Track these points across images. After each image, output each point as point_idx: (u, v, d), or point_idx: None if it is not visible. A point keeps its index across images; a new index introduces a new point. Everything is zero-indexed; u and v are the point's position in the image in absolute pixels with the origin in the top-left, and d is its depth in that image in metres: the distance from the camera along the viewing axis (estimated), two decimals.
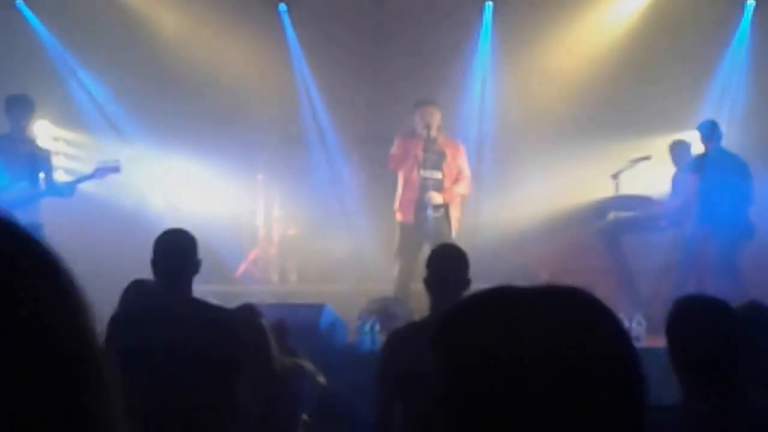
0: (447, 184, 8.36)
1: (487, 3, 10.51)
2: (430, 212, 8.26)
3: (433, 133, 8.25)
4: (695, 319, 2.98)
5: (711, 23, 9.99)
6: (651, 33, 10.16)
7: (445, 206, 8.35)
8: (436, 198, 8.28)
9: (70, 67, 10.49)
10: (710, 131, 8.84)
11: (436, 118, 8.31)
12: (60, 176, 9.23)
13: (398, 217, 8.46)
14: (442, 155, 8.32)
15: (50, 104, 10.01)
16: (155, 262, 4.43)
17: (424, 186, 8.26)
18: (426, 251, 7.49)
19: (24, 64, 10.11)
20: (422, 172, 8.28)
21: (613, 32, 10.39)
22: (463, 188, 8.49)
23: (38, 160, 8.29)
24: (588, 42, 10.39)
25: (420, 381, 4.10)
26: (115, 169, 8.38)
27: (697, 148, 9.22)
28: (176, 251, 4.41)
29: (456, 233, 8.35)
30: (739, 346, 2.94)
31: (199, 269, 4.50)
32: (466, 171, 8.52)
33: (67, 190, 8.26)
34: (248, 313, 5.15)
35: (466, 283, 4.27)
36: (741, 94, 10.03)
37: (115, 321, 4.35)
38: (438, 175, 8.33)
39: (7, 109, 8.21)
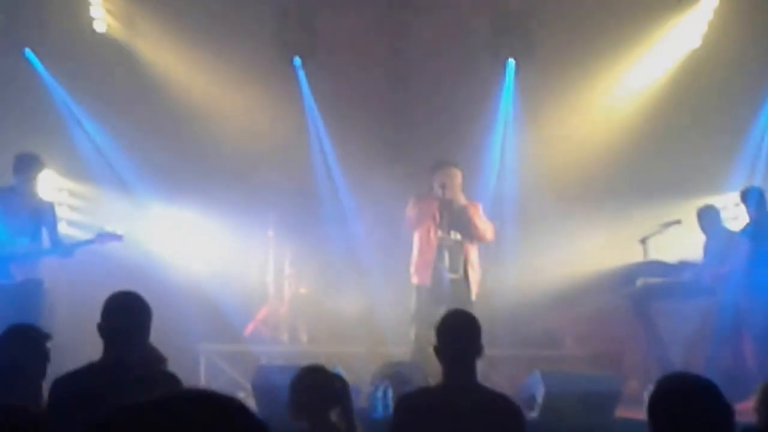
0: (467, 241, 8.08)
1: (509, 60, 10.31)
2: (447, 274, 8.01)
3: (450, 194, 8.02)
4: (679, 400, 2.88)
5: (743, 85, 9.79)
6: (680, 94, 10.01)
7: (464, 269, 8.08)
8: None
9: (77, 118, 10.33)
10: (760, 198, 8.59)
11: (455, 178, 8.08)
12: (63, 228, 9.02)
13: (414, 279, 8.18)
14: (460, 216, 8.04)
15: (56, 154, 9.82)
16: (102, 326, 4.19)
17: (442, 247, 8.02)
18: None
19: (30, 113, 9.96)
20: (440, 233, 8.04)
21: (640, 93, 10.28)
22: (486, 227, 8.15)
23: (41, 214, 8.14)
24: (613, 102, 10.27)
25: None
26: (118, 238, 8.20)
27: (731, 213, 8.93)
28: (126, 316, 4.19)
29: (476, 296, 8.03)
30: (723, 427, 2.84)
31: (148, 335, 4.27)
32: (488, 222, 8.22)
33: (67, 252, 8.08)
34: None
35: (479, 349, 4.19)
36: None
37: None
38: (456, 236, 8.10)
39: (16, 165, 8.08)
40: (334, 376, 4.54)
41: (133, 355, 4.16)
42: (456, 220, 8.06)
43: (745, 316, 8.36)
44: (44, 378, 4.53)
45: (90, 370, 4.14)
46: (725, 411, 2.85)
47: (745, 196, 8.71)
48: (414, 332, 8.09)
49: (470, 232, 8.10)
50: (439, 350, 4.22)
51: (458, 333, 4.23)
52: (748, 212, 8.68)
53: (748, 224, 8.70)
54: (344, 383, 4.53)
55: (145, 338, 4.25)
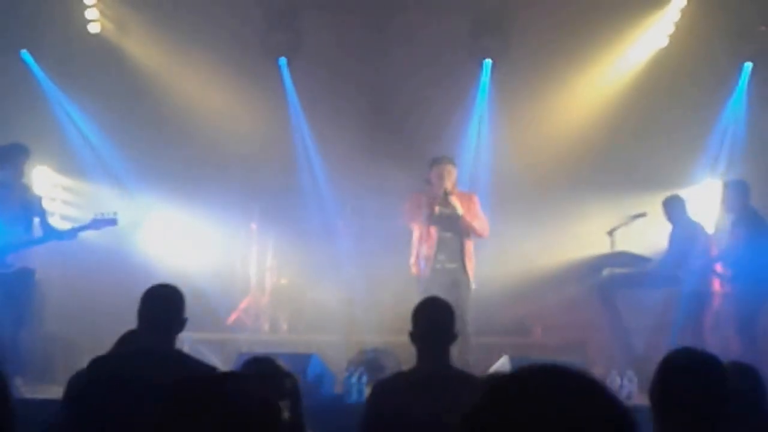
0: (464, 236, 8.37)
1: (485, 60, 10.58)
2: (445, 266, 8.29)
3: (449, 190, 8.28)
4: (685, 370, 3.01)
5: (709, 83, 10.08)
6: (647, 92, 10.27)
7: (461, 258, 8.35)
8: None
9: (71, 116, 10.57)
10: (747, 190, 8.70)
11: (452, 175, 8.35)
12: (56, 222, 9.26)
13: (414, 271, 8.44)
14: (456, 211, 8.31)
15: (50, 151, 10.09)
16: (142, 313, 4.46)
17: (440, 241, 8.29)
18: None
19: (25, 111, 10.21)
20: (439, 228, 8.31)
21: (609, 91, 10.50)
22: (483, 225, 8.44)
23: (31, 205, 8.36)
24: (584, 100, 10.49)
25: (402, 430, 4.02)
26: (112, 222, 8.39)
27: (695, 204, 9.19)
28: (164, 306, 4.45)
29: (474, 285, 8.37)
30: (724, 400, 2.96)
31: (183, 327, 4.50)
32: (483, 216, 8.51)
33: (68, 235, 8.30)
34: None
35: (453, 336, 4.32)
36: (737, 153, 10.06)
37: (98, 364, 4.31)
38: (453, 231, 8.35)
39: (2, 157, 8.27)
40: (284, 373, 4.51)
41: (171, 342, 4.39)
42: (452, 215, 8.30)
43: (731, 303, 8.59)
44: None
45: (129, 353, 4.39)
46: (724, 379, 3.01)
47: (735, 188, 8.74)
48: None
49: (466, 229, 8.36)
50: (414, 335, 4.35)
51: (433, 319, 4.35)
52: (736, 204, 8.72)
53: (740, 215, 8.71)
54: (294, 382, 4.50)
55: (180, 328, 4.47)
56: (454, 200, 8.28)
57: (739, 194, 8.73)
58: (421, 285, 8.31)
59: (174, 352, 4.42)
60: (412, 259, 8.45)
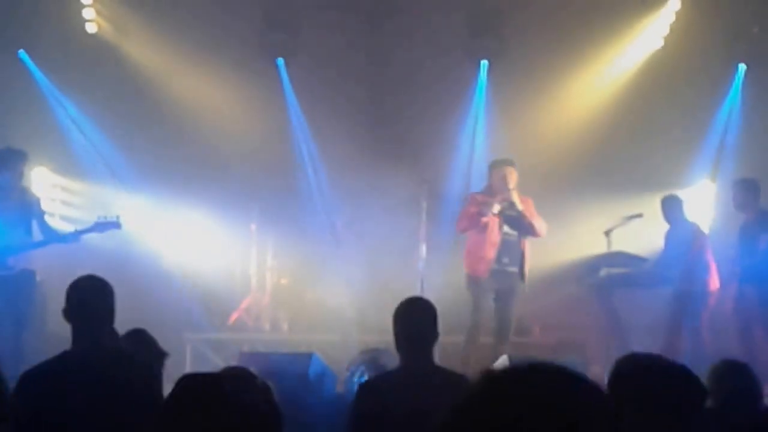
0: (523, 237, 8.50)
1: (482, 61, 10.66)
2: (504, 268, 8.42)
3: (514, 192, 8.40)
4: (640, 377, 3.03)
5: (704, 84, 10.19)
6: (643, 93, 10.36)
7: (521, 261, 8.48)
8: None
9: (70, 116, 10.60)
10: (758, 189, 8.76)
11: (513, 176, 8.45)
12: (56, 223, 9.31)
13: (470, 272, 8.51)
14: (520, 213, 8.43)
15: (48, 151, 10.13)
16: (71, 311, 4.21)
17: (504, 243, 8.40)
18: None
19: (23, 111, 10.25)
20: (503, 230, 8.42)
21: (605, 92, 10.60)
22: (541, 225, 8.54)
23: (30, 207, 8.42)
24: (581, 101, 10.57)
25: (389, 429, 4.07)
26: (115, 225, 8.38)
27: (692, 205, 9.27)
28: (92, 300, 4.21)
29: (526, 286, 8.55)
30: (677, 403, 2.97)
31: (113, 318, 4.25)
32: (540, 218, 8.60)
33: (70, 238, 8.31)
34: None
35: (436, 335, 4.38)
36: (733, 154, 10.15)
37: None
38: (514, 232, 8.48)
39: (2, 161, 8.31)
40: (259, 383, 4.64)
41: (104, 339, 4.17)
42: (514, 217, 8.40)
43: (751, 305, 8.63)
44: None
45: (62, 359, 4.12)
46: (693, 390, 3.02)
47: (747, 189, 8.80)
48: (472, 322, 8.47)
49: (527, 230, 8.47)
50: (398, 336, 4.37)
51: (417, 319, 4.39)
52: (749, 203, 8.78)
53: (757, 215, 8.74)
54: (268, 390, 4.66)
55: (112, 321, 4.23)
56: (517, 199, 8.39)
57: (750, 193, 8.82)
58: (478, 286, 8.40)
59: (106, 350, 4.20)
60: (469, 260, 8.50)
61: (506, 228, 8.45)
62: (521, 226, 8.46)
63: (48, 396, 3.96)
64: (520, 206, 8.40)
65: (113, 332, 4.66)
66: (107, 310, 4.21)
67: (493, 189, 8.46)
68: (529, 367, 1.60)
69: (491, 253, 8.38)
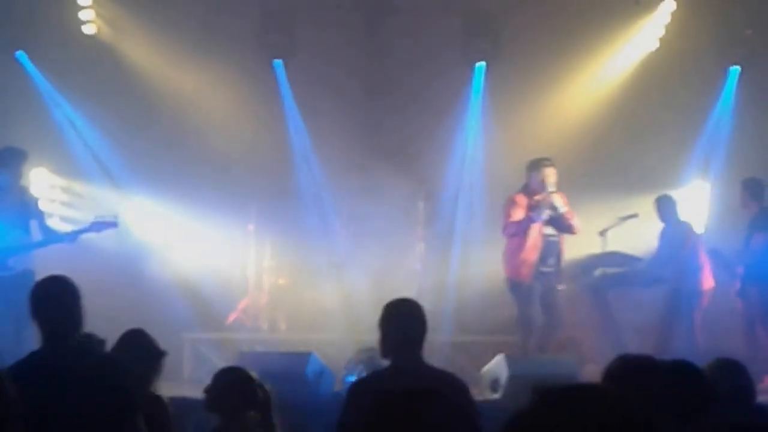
0: (562, 236, 8.57)
1: (478, 63, 10.71)
2: (543, 269, 8.49)
3: (555, 194, 8.45)
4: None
5: (697, 86, 10.26)
6: (638, 94, 10.43)
7: (559, 261, 8.56)
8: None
9: (68, 117, 10.62)
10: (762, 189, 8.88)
11: (554, 176, 8.49)
12: (55, 224, 9.35)
13: (513, 275, 8.55)
14: (562, 214, 8.49)
15: (47, 152, 10.16)
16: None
17: (546, 245, 8.47)
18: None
19: (21, 112, 10.29)
20: (545, 232, 8.47)
21: (601, 94, 10.65)
22: (576, 222, 8.62)
23: (29, 207, 8.45)
24: (576, 103, 10.63)
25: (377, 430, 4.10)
26: (113, 224, 8.39)
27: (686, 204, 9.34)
28: (55, 303, 4.13)
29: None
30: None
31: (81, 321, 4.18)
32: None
33: (68, 238, 8.34)
34: None
35: (424, 333, 4.35)
36: (725, 154, 10.23)
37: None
38: (554, 232, 8.55)
39: (2, 161, 8.33)
40: (257, 384, 4.57)
41: (73, 339, 4.10)
42: (556, 218, 8.45)
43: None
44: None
45: (30, 360, 4.08)
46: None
47: (750, 188, 8.95)
48: (520, 325, 8.58)
49: (567, 229, 8.53)
50: (388, 335, 4.32)
51: (405, 319, 4.35)
52: (752, 203, 8.92)
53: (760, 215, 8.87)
54: (267, 393, 4.56)
55: (81, 320, 4.14)
56: (560, 200, 8.44)
57: (755, 192, 8.94)
58: (521, 290, 8.46)
59: (70, 349, 4.13)
60: (510, 262, 8.53)
61: (549, 229, 8.48)
62: (562, 226, 8.51)
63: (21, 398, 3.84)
64: (563, 208, 8.43)
65: (90, 335, 4.68)
66: (68, 310, 4.13)
67: (533, 189, 8.48)
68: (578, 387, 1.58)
69: (533, 255, 8.41)
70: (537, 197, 8.43)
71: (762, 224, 8.79)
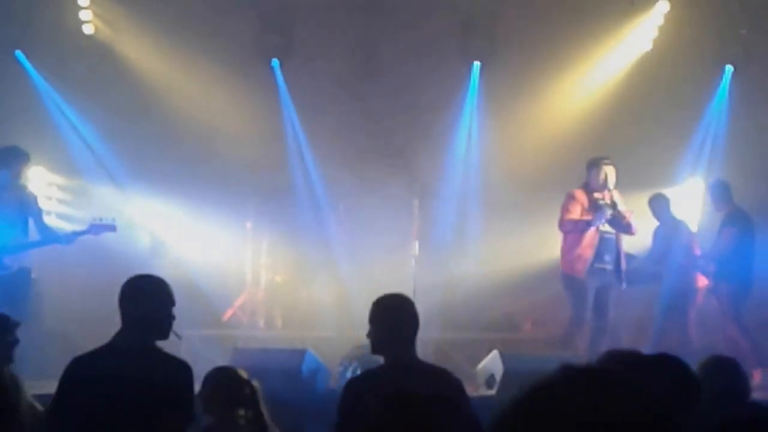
0: (621, 234, 8.57)
1: (474, 63, 10.75)
2: (601, 266, 8.49)
3: (615, 192, 8.47)
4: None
5: (692, 86, 10.32)
6: (633, 94, 10.51)
7: (619, 259, 8.54)
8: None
9: (65, 115, 10.65)
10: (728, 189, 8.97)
11: (614, 174, 8.50)
12: (53, 222, 9.37)
13: (568, 271, 8.54)
14: (620, 213, 8.50)
15: (45, 151, 10.18)
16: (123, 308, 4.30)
17: (602, 241, 8.47)
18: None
19: (19, 111, 10.31)
20: (601, 228, 8.48)
21: (596, 93, 10.73)
22: (634, 221, 8.62)
23: (27, 206, 8.48)
24: (571, 102, 10.70)
25: (374, 428, 4.15)
26: (111, 228, 8.44)
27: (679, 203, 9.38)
28: (145, 301, 4.29)
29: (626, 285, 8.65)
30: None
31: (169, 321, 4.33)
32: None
33: (65, 239, 8.38)
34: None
35: (416, 329, 4.36)
36: (718, 153, 10.29)
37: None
38: (612, 229, 8.54)
39: (2, 160, 8.37)
40: (243, 381, 4.62)
41: (152, 338, 4.26)
42: (614, 215, 8.45)
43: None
44: (11, 362, 4.84)
45: (108, 350, 4.25)
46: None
47: (719, 190, 9.06)
48: (571, 319, 8.56)
49: (625, 229, 8.53)
50: (376, 333, 4.31)
51: (396, 314, 4.34)
52: (721, 203, 9.03)
53: (728, 214, 8.98)
54: (254, 390, 4.61)
55: (167, 322, 4.28)
56: (619, 198, 8.47)
57: (721, 194, 8.96)
58: (576, 285, 8.44)
59: (149, 349, 4.29)
60: (567, 258, 8.53)
61: (605, 226, 8.48)
62: (620, 225, 8.50)
63: (86, 382, 4.14)
64: (622, 206, 8.45)
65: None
66: (158, 311, 4.29)
67: (592, 187, 8.49)
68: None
69: (588, 252, 8.41)
70: (596, 194, 8.43)
71: (731, 220, 8.86)
